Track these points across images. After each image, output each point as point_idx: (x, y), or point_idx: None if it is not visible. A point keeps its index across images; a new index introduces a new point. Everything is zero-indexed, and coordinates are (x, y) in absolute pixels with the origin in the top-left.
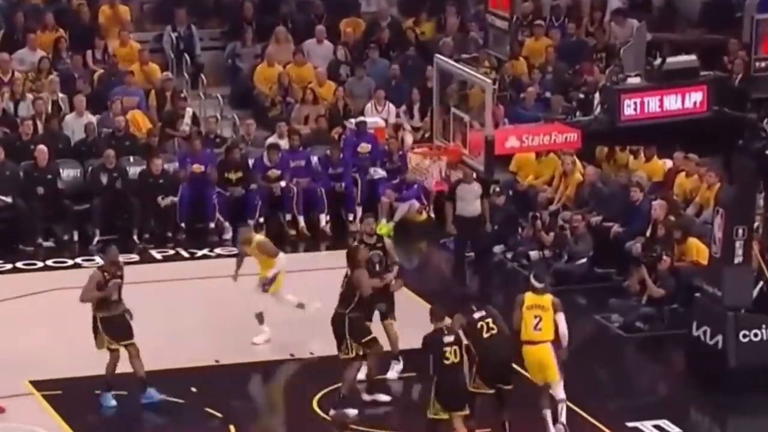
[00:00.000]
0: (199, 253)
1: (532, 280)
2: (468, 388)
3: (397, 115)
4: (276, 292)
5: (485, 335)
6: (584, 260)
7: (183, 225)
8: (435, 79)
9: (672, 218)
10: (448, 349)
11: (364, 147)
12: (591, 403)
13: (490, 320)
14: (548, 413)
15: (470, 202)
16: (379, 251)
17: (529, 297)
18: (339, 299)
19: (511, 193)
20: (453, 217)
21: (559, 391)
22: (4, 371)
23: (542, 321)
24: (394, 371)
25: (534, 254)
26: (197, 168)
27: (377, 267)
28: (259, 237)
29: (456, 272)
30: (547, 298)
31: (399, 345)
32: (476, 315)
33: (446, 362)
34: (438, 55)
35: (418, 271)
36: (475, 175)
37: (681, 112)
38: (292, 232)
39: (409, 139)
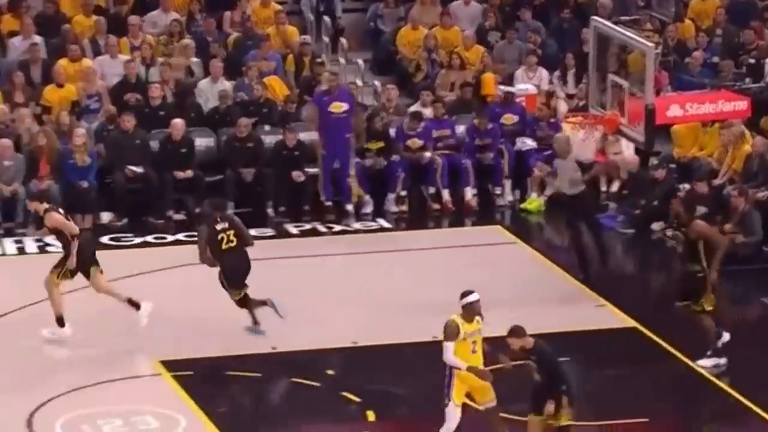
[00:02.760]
0: (337, 228)
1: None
2: None
3: (550, 82)
4: None
5: (224, 247)
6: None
7: (330, 203)
8: (592, 42)
9: None
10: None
11: (510, 118)
12: (759, 395)
13: (231, 232)
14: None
15: (564, 180)
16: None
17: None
18: None
19: (673, 166)
20: (553, 193)
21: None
22: (135, 351)
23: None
24: None
25: None
26: (336, 107)
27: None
28: None
29: (577, 255)
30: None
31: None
32: (218, 226)
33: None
34: (595, 17)
35: (570, 249)
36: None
37: None
38: (436, 206)
39: (562, 107)
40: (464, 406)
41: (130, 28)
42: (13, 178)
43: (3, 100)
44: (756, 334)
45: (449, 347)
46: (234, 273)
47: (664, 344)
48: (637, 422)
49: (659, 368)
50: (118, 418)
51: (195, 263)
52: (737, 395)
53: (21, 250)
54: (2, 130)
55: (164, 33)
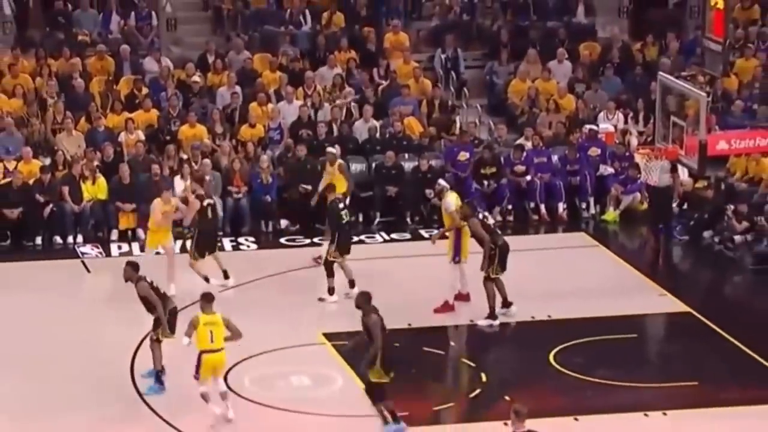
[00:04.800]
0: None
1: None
2: None
3: (625, 122)
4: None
5: None
6: None
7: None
8: (658, 92)
9: None
10: None
11: (594, 150)
12: None
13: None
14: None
15: (658, 175)
16: None
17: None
18: None
19: (723, 186)
20: (646, 187)
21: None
22: (303, 324)
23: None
24: None
25: (738, 238)
26: (462, 156)
27: None
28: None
29: (652, 233)
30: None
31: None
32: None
33: None
34: (661, 73)
35: (639, 251)
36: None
37: None
38: (535, 217)
39: (634, 141)
40: None
41: (305, 81)
42: (213, 192)
43: (209, 133)
44: None
45: None
46: None
47: (712, 325)
48: (688, 385)
49: (708, 343)
50: (291, 375)
51: (352, 259)
52: None
53: (219, 248)
54: (205, 154)
55: (329, 84)
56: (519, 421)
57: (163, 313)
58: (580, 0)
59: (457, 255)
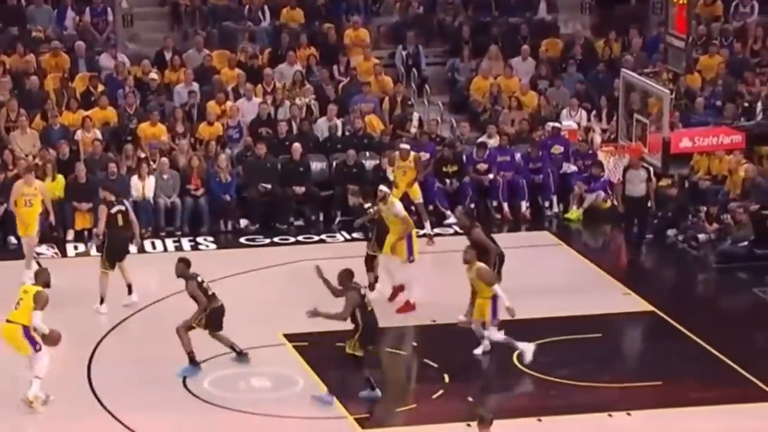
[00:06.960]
0: (421, 232)
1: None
2: None
3: (588, 119)
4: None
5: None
6: (746, 243)
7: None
8: (621, 89)
9: None
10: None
11: (557, 148)
12: (753, 369)
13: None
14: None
15: (636, 184)
16: None
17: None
18: None
19: (687, 184)
20: (622, 197)
21: None
22: (263, 325)
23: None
24: None
25: (702, 237)
26: (422, 155)
27: None
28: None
29: (627, 243)
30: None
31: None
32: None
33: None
34: (624, 69)
35: (603, 250)
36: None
37: None
38: (498, 216)
39: (597, 139)
40: None
41: (264, 78)
42: (172, 190)
43: (167, 131)
44: (748, 321)
45: None
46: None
47: (676, 324)
48: (652, 384)
49: (671, 343)
50: (251, 377)
51: (312, 258)
52: (734, 364)
53: (178, 248)
54: (164, 152)
55: (289, 81)
56: (484, 427)
57: (202, 310)
58: None
59: (411, 255)
